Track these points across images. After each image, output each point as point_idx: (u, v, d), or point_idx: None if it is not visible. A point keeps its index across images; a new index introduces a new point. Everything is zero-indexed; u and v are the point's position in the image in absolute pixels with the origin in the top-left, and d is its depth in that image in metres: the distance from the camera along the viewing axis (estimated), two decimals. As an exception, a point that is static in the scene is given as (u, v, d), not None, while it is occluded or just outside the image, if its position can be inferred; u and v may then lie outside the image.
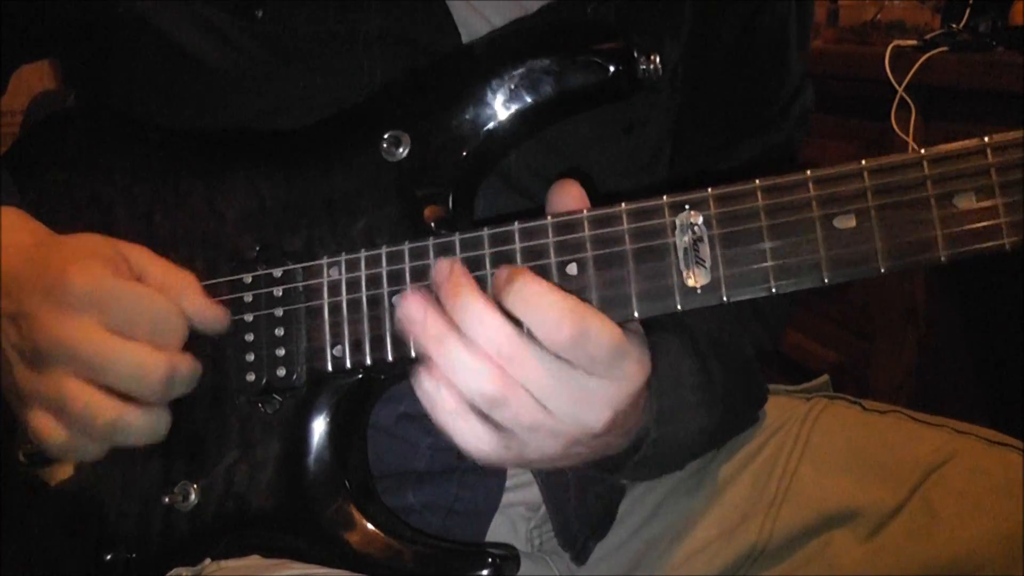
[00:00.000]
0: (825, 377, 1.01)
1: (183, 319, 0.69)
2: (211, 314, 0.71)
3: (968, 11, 1.86)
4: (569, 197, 0.64)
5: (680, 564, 0.92)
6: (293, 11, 0.77)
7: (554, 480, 0.86)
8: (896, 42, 1.88)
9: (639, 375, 0.61)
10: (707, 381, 0.82)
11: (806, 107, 0.98)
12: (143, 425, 0.68)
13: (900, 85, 1.82)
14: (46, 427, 0.68)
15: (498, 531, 0.87)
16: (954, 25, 1.87)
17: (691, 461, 0.89)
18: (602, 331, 0.59)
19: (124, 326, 0.67)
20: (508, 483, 0.86)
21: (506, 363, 0.59)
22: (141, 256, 0.71)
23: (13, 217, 0.74)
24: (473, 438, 0.61)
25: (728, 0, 0.88)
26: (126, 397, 0.67)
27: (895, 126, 1.86)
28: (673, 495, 0.95)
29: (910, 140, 1.83)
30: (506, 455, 0.62)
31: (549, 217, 0.64)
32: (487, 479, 0.85)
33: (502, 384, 0.59)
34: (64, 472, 0.73)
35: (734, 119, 0.94)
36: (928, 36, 1.88)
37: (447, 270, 0.61)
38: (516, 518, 0.89)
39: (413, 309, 0.61)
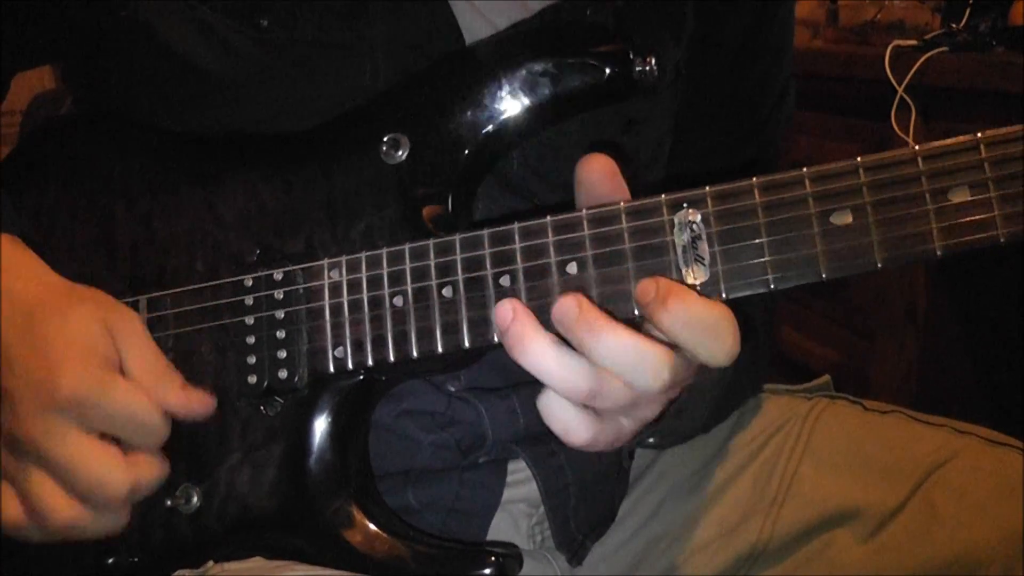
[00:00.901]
0: (826, 377, 1.01)
1: (163, 424, 0.70)
2: (195, 407, 0.72)
3: (968, 11, 1.86)
4: (597, 173, 0.64)
5: (681, 564, 0.92)
6: (298, 20, 0.76)
7: (553, 480, 0.86)
8: (896, 42, 1.88)
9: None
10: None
11: (790, 108, 0.98)
12: (97, 530, 0.70)
13: (900, 85, 1.82)
14: (8, 506, 0.70)
15: (500, 528, 0.87)
16: (954, 25, 1.87)
17: (693, 435, 0.90)
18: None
19: (104, 427, 0.69)
20: (508, 479, 0.86)
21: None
22: (131, 337, 0.71)
23: (11, 252, 0.73)
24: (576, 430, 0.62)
25: (732, 3, 0.88)
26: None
27: (895, 126, 1.86)
28: (674, 495, 0.95)
29: (910, 140, 1.83)
30: (606, 436, 0.63)
31: (548, 216, 0.65)
32: (488, 477, 0.85)
33: (593, 379, 0.60)
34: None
35: (734, 122, 0.94)
36: (928, 36, 1.88)
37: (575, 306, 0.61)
38: (518, 515, 0.89)
39: (501, 314, 0.62)
